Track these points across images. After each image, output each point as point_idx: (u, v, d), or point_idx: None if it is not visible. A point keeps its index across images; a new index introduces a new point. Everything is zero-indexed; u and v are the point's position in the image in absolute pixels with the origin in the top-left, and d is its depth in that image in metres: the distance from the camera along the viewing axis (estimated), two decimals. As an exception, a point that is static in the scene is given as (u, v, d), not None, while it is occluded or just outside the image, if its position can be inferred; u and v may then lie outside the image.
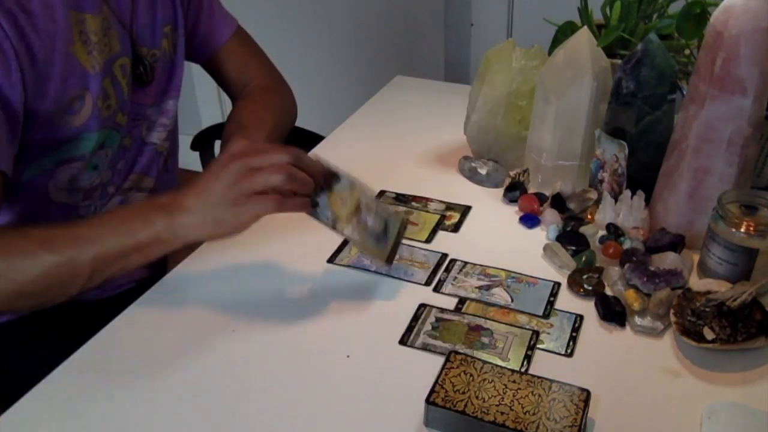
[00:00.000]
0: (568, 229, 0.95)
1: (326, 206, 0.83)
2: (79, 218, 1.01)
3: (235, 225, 0.78)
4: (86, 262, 0.78)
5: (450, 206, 1.04)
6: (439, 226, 1.00)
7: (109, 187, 1.04)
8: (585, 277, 0.87)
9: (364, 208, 0.84)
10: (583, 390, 0.68)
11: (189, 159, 1.50)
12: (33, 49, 0.84)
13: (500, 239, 0.97)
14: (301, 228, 1.00)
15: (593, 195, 1.00)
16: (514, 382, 0.69)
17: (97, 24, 0.92)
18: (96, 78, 0.92)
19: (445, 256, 0.93)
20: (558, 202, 1.00)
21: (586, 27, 1.00)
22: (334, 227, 0.83)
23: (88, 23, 0.91)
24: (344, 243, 0.96)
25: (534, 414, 0.66)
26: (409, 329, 0.81)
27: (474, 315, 0.82)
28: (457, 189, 1.09)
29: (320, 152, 1.20)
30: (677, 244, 0.89)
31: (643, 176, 0.96)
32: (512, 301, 0.85)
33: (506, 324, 0.81)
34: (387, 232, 0.85)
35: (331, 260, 0.93)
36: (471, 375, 0.70)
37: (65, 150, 0.94)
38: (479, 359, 0.72)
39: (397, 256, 0.93)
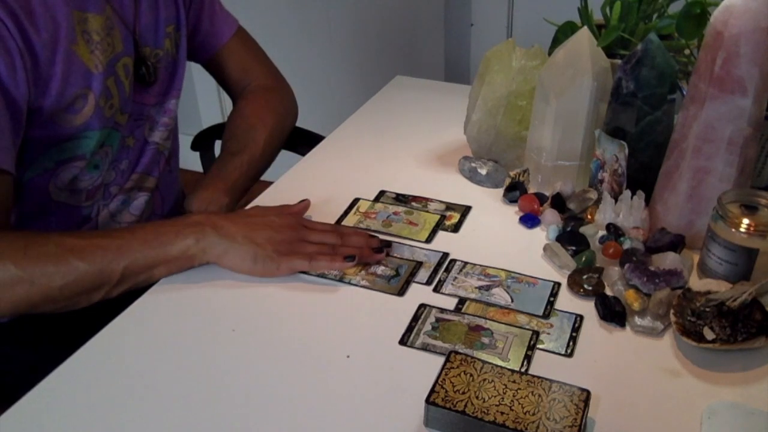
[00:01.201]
0: (568, 229, 0.95)
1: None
2: (87, 220, 1.01)
3: (270, 270, 0.86)
4: (115, 272, 0.81)
5: (450, 206, 1.04)
6: (439, 226, 1.00)
7: (112, 187, 1.04)
8: (585, 277, 0.87)
9: (374, 262, 0.91)
10: (583, 390, 0.68)
11: (189, 159, 1.50)
12: (35, 48, 0.84)
13: (500, 239, 0.97)
14: (301, 228, 1.00)
15: (593, 195, 1.00)
16: (514, 382, 0.69)
17: (100, 23, 0.92)
18: (99, 77, 0.92)
19: (445, 256, 0.93)
20: (558, 202, 1.00)
21: (586, 27, 1.00)
22: (340, 280, 0.88)
23: (90, 22, 0.91)
24: (344, 243, 0.96)
25: (534, 414, 0.66)
26: (409, 329, 0.81)
27: (474, 315, 0.83)
28: (457, 189, 1.09)
29: (320, 152, 1.20)
30: (677, 244, 0.89)
31: (643, 176, 0.96)
32: (512, 301, 0.85)
33: (506, 324, 0.81)
34: (399, 273, 0.89)
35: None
36: (471, 375, 0.70)
37: (66, 149, 0.94)
38: (479, 359, 0.72)
39: (397, 255, 0.93)
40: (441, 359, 0.75)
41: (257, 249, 0.85)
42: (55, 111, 0.89)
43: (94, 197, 1.01)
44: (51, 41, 0.86)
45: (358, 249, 0.89)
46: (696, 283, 0.84)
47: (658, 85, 0.92)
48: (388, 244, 0.93)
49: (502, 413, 0.66)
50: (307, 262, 0.86)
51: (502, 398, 0.67)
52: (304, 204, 1.00)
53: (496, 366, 0.71)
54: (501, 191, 1.06)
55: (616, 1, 1.05)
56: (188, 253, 0.85)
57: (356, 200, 1.06)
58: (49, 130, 0.91)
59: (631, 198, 0.93)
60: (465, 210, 1.03)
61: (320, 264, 0.87)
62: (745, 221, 0.81)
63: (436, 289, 0.87)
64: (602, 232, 0.94)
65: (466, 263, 0.92)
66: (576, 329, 0.81)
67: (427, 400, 0.67)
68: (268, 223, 0.88)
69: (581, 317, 0.82)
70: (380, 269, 0.90)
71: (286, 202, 1.05)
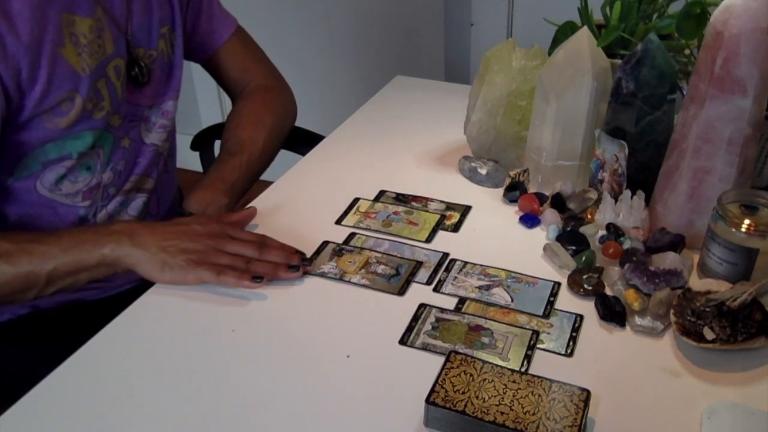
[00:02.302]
0: (568, 229, 0.95)
1: (334, 267, 0.90)
2: (84, 220, 1.01)
3: (176, 278, 0.86)
4: (41, 276, 0.85)
5: (450, 206, 1.04)
6: (439, 226, 1.00)
7: (110, 189, 1.04)
8: (585, 277, 0.87)
9: (374, 261, 0.91)
10: (583, 390, 0.68)
11: (189, 159, 1.50)
12: (13, 53, 0.84)
13: (500, 239, 0.97)
14: (302, 227, 1.00)
15: (593, 195, 1.00)
16: (514, 382, 0.69)
17: (88, 26, 0.92)
18: (86, 80, 0.92)
19: (445, 255, 0.93)
20: (558, 202, 1.00)
21: (586, 27, 1.00)
22: (340, 279, 0.88)
23: (78, 25, 0.91)
24: (346, 241, 0.96)
25: (534, 414, 0.66)
26: (409, 329, 0.81)
27: (474, 315, 0.83)
28: (457, 189, 1.09)
29: (320, 152, 1.20)
30: (677, 244, 0.89)
31: (643, 176, 0.96)
32: (512, 301, 0.85)
33: (506, 324, 0.81)
34: (399, 272, 0.89)
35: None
36: (471, 375, 0.70)
37: (51, 150, 0.94)
38: (479, 359, 0.72)
39: (397, 255, 0.93)
40: (441, 359, 0.74)
41: (167, 257, 0.86)
42: (38, 113, 0.89)
43: (91, 197, 1.01)
44: (35, 44, 0.86)
45: (272, 267, 0.87)
46: (696, 283, 0.84)
47: (658, 85, 0.92)
48: (309, 262, 0.90)
49: (502, 413, 0.66)
50: (215, 275, 0.85)
51: (502, 398, 0.67)
52: (246, 213, 0.98)
53: (496, 366, 0.71)
54: (501, 191, 1.06)
55: (616, 1, 1.05)
56: (105, 262, 0.86)
57: (356, 200, 1.06)
58: (33, 133, 0.91)
59: (631, 198, 0.93)
60: (465, 210, 1.03)
61: (227, 280, 0.86)
62: (745, 221, 0.81)
63: (436, 289, 0.87)
64: (602, 232, 0.94)
65: (466, 263, 0.92)
66: (576, 329, 0.81)
67: (427, 400, 0.67)
68: (186, 232, 0.88)
69: (581, 317, 0.82)
70: (380, 268, 0.90)
71: (285, 202, 1.06)
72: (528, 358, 0.76)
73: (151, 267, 0.86)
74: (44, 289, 0.86)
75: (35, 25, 0.85)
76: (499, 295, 0.86)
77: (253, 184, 1.12)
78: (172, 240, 0.87)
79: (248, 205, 1.02)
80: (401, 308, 0.84)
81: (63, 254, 0.85)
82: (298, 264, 0.88)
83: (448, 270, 0.90)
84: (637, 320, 0.80)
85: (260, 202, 1.06)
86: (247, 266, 0.87)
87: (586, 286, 0.86)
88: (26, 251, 0.85)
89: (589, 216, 0.98)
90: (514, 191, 1.04)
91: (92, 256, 0.86)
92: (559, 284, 0.87)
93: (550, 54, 1.05)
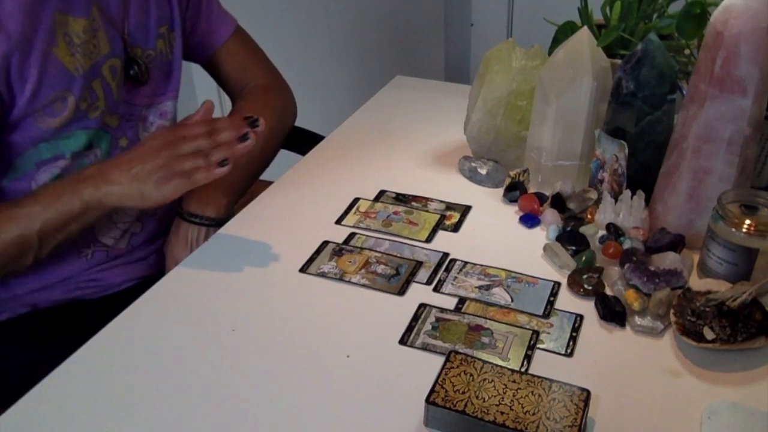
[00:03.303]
0: (568, 229, 0.95)
1: (334, 266, 0.90)
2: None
3: (158, 200, 0.88)
4: (32, 237, 0.86)
5: (450, 206, 1.04)
6: (439, 226, 1.00)
7: None
8: (585, 277, 0.87)
9: (374, 261, 0.91)
10: (583, 390, 0.68)
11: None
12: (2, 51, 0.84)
13: (500, 239, 0.97)
14: (302, 227, 1.00)
15: (593, 195, 1.00)
16: (514, 382, 0.69)
17: (81, 26, 0.92)
18: (80, 80, 0.92)
19: (445, 255, 0.93)
20: (558, 202, 1.00)
21: (586, 27, 1.00)
22: (340, 279, 0.89)
23: (71, 25, 0.91)
24: (346, 241, 0.96)
25: (534, 414, 0.66)
26: (409, 329, 0.81)
27: (474, 315, 0.83)
28: (457, 189, 1.09)
29: (320, 152, 1.20)
30: (677, 244, 0.89)
31: (643, 176, 0.96)
32: (512, 301, 0.85)
33: (506, 324, 0.81)
34: (399, 272, 0.89)
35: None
36: (471, 375, 0.70)
37: (44, 150, 0.94)
38: (479, 359, 0.72)
39: (397, 255, 0.93)
40: (441, 359, 0.74)
41: (139, 185, 0.87)
42: (30, 113, 0.89)
43: None
44: (25, 43, 0.86)
45: (229, 148, 0.88)
46: (696, 283, 0.84)
47: (658, 85, 0.92)
48: (257, 123, 0.90)
49: (502, 413, 0.66)
50: (188, 180, 0.87)
51: (502, 398, 0.67)
52: (204, 108, 0.95)
53: (496, 366, 0.71)
54: (501, 191, 1.06)
55: (616, 1, 1.05)
56: (89, 207, 0.88)
57: (356, 200, 1.06)
58: (26, 132, 0.91)
59: (631, 198, 0.93)
60: (465, 210, 1.03)
61: (198, 180, 0.87)
62: (745, 221, 0.81)
63: (436, 289, 0.87)
64: (602, 232, 0.94)
65: (466, 263, 0.92)
66: (576, 329, 0.81)
67: (427, 400, 0.67)
68: (145, 153, 0.89)
69: (581, 317, 0.82)
70: (380, 268, 0.90)
71: (285, 202, 1.06)
72: (528, 358, 0.76)
73: (131, 199, 0.88)
74: (40, 250, 0.88)
75: (27, 24, 0.86)
76: (499, 295, 0.86)
77: (253, 183, 1.12)
78: (136, 166, 0.87)
79: (248, 206, 1.02)
80: (401, 308, 0.84)
81: (46, 210, 0.86)
82: (246, 132, 0.88)
83: (448, 270, 0.90)
84: (637, 320, 0.80)
85: (260, 202, 1.06)
86: (208, 159, 0.87)
87: (586, 286, 0.86)
88: (9, 217, 0.86)
89: (589, 216, 0.98)
90: (514, 191, 1.04)
91: (74, 204, 0.87)
92: (559, 284, 0.87)
93: (550, 54, 1.05)
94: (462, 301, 0.85)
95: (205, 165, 0.87)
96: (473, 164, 1.11)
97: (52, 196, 0.88)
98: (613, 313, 0.81)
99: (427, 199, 1.06)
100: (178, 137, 0.89)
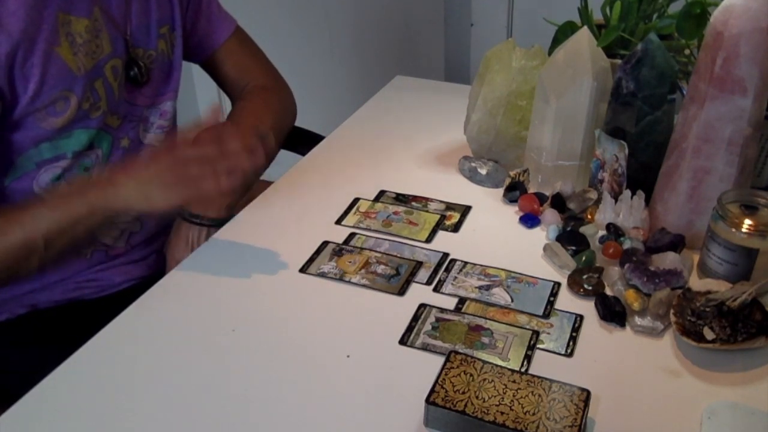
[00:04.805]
0: (568, 229, 0.95)
1: (334, 266, 0.90)
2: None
3: (163, 204, 0.87)
4: (38, 241, 0.86)
5: (450, 206, 1.04)
6: (439, 226, 1.00)
7: None
8: (585, 277, 0.87)
9: (374, 261, 0.91)
10: (583, 390, 0.68)
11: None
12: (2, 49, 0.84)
13: (500, 239, 0.97)
14: (302, 227, 1.00)
15: (593, 195, 1.00)
16: (514, 382, 0.69)
17: (83, 26, 0.92)
18: (82, 79, 0.92)
19: (445, 256, 0.93)
20: (558, 202, 1.00)
21: (586, 27, 1.00)
22: (340, 279, 0.89)
23: (74, 25, 0.91)
24: (346, 241, 0.96)
25: (534, 414, 0.66)
26: (409, 329, 0.81)
27: (474, 315, 0.83)
28: (457, 189, 1.09)
29: (320, 152, 1.20)
30: (677, 244, 0.89)
31: (643, 176, 0.96)
32: (512, 301, 0.85)
33: (506, 324, 0.81)
34: (399, 272, 0.89)
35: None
36: (471, 375, 0.70)
37: (45, 150, 0.94)
38: (479, 359, 0.72)
39: (397, 255, 0.93)
40: (441, 359, 0.74)
41: (146, 189, 0.87)
42: (32, 111, 0.89)
43: None
44: (27, 42, 0.86)
45: (236, 158, 0.86)
46: (696, 283, 0.84)
47: (658, 85, 0.92)
48: (266, 136, 0.89)
49: (502, 413, 0.66)
50: (194, 187, 0.86)
51: (502, 398, 0.67)
52: (211, 110, 0.91)
53: (496, 366, 0.71)
54: (501, 191, 1.06)
55: (616, 1, 1.05)
56: (96, 209, 0.87)
57: (356, 200, 1.06)
58: (28, 132, 0.91)
59: (631, 198, 0.93)
60: (465, 210, 1.03)
61: (205, 187, 0.86)
62: (746, 221, 0.81)
63: (436, 289, 0.87)
64: (602, 232, 0.94)
65: (466, 263, 0.92)
66: (576, 329, 0.81)
67: (427, 400, 0.67)
68: (151, 158, 0.89)
69: (581, 317, 0.82)
70: (380, 268, 0.90)
71: (285, 202, 1.05)
72: (528, 358, 0.76)
73: (137, 202, 0.87)
74: (46, 253, 0.87)
75: (29, 23, 0.86)
76: (499, 295, 0.86)
77: (253, 183, 1.12)
78: (143, 170, 0.87)
79: (248, 206, 1.02)
80: (401, 308, 0.84)
81: (52, 212, 0.86)
82: (254, 144, 0.88)
83: (448, 270, 0.90)
84: (637, 320, 0.80)
85: (260, 202, 1.06)
86: (216, 168, 0.86)
87: (586, 286, 0.86)
88: (16, 221, 0.86)
89: (589, 216, 0.98)
90: (514, 191, 1.04)
91: (81, 207, 0.87)
92: (559, 284, 0.87)
93: (550, 54, 1.05)
94: (462, 301, 0.85)
95: (212, 173, 0.86)
96: (473, 164, 1.11)
97: (58, 199, 0.88)
98: (613, 313, 0.81)
99: (427, 199, 1.06)
100: (187, 144, 0.89)
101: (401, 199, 1.06)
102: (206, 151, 0.87)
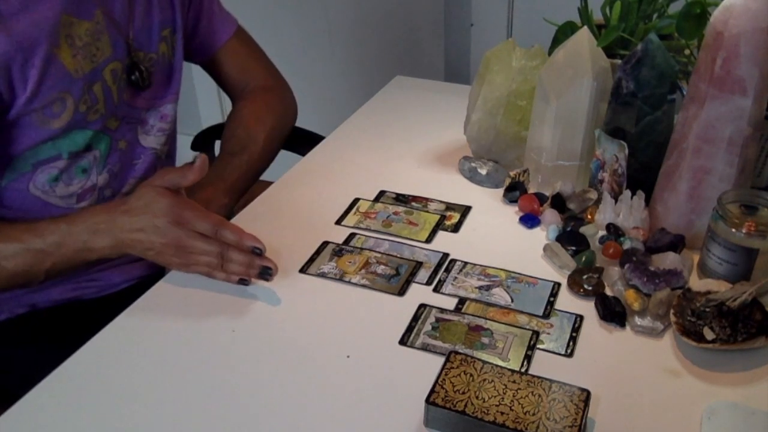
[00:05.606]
0: (568, 229, 0.95)
1: (334, 267, 0.90)
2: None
3: (161, 263, 0.87)
4: (40, 273, 0.87)
5: (450, 206, 1.04)
6: (439, 226, 1.00)
7: (106, 191, 1.04)
8: (585, 277, 0.87)
9: (374, 261, 0.91)
10: (583, 390, 0.68)
11: (189, 159, 1.49)
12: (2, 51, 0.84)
13: (500, 239, 0.97)
14: (301, 227, 1.00)
15: (593, 195, 1.00)
16: (514, 382, 0.69)
17: (85, 29, 0.92)
18: (79, 82, 0.92)
19: (445, 256, 0.93)
20: (558, 202, 1.00)
21: (586, 27, 1.00)
22: (340, 279, 0.89)
23: (75, 27, 0.91)
24: (346, 241, 0.96)
25: (534, 414, 0.66)
26: (409, 329, 0.81)
27: (474, 315, 0.82)
28: (457, 189, 1.09)
29: (320, 152, 1.20)
30: (677, 244, 0.89)
31: (643, 176, 0.96)
32: (512, 301, 0.85)
33: (506, 324, 0.81)
34: (399, 272, 0.89)
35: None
36: (471, 375, 0.70)
37: (41, 151, 0.94)
38: (479, 359, 0.72)
39: (397, 255, 0.93)
40: (441, 359, 0.74)
41: (150, 255, 0.86)
42: (27, 112, 0.89)
43: (87, 200, 1.01)
44: (28, 44, 0.86)
45: (235, 267, 0.86)
46: (696, 283, 0.84)
47: (658, 85, 0.92)
48: (270, 272, 0.86)
49: (502, 413, 0.66)
50: (206, 272, 0.86)
51: (502, 398, 0.67)
52: (199, 161, 0.90)
53: (496, 366, 0.71)
54: (501, 191, 1.06)
55: (616, 1, 1.05)
56: (104, 253, 0.87)
57: (356, 200, 1.06)
58: (25, 132, 0.91)
59: (631, 198, 0.93)
60: (465, 210, 1.03)
61: (217, 276, 0.86)
62: (745, 221, 0.81)
63: (436, 289, 0.87)
64: (602, 232, 0.94)
65: (466, 263, 0.92)
66: (576, 329, 0.81)
67: (427, 400, 0.67)
68: (151, 230, 0.85)
69: (581, 317, 0.82)
70: (380, 269, 0.90)
71: (285, 202, 1.05)
72: (528, 358, 0.76)
73: (138, 254, 0.86)
74: (42, 282, 0.89)
75: (31, 24, 0.85)
76: (499, 296, 0.86)
77: (253, 183, 1.12)
78: (147, 243, 0.85)
79: (248, 206, 1.02)
80: (401, 308, 0.84)
81: (60, 249, 0.86)
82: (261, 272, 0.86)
83: (448, 270, 0.90)
84: (637, 320, 0.80)
85: (260, 202, 1.06)
86: (218, 262, 0.86)
87: (586, 286, 0.86)
88: (27, 251, 0.85)
89: (589, 216, 0.98)
90: (514, 191, 1.04)
91: (93, 253, 0.86)
92: (559, 284, 0.87)
93: (550, 54, 1.05)
94: (462, 301, 0.85)
95: (215, 266, 0.86)
96: (473, 164, 1.11)
97: (67, 235, 0.86)
98: (613, 313, 0.81)
99: (427, 199, 1.06)
100: (185, 221, 0.85)
101: (401, 199, 1.06)
102: (213, 249, 0.85)
